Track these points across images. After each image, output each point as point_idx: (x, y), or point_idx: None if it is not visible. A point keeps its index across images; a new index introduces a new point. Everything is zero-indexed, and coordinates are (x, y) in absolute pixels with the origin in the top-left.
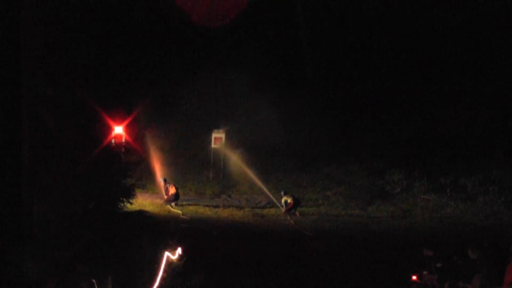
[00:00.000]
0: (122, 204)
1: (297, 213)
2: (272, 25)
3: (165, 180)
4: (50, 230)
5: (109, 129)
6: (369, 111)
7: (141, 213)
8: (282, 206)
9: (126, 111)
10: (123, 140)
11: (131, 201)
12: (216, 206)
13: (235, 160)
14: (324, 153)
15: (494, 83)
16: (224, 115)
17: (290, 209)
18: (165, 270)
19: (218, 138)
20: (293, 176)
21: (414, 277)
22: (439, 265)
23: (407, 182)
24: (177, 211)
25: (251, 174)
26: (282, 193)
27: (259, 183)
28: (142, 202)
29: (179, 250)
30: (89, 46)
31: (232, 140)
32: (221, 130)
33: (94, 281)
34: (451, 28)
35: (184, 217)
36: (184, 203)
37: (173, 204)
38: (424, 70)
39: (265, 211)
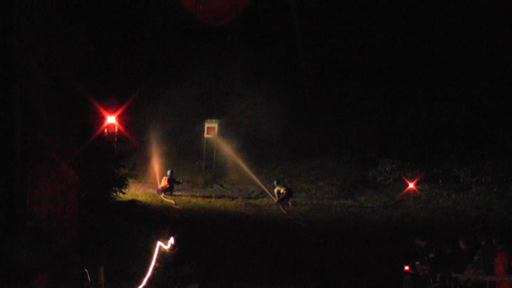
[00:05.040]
0: (114, 194)
1: (290, 203)
2: (267, 18)
3: (171, 173)
4: (42, 219)
5: (102, 119)
6: (362, 102)
7: (133, 203)
8: (274, 196)
9: (119, 100)
10: (116, 130)
11: (123, 190)
12: (209, 196)
13: (228, 150)
14: (317, 144)
15: (487, 76)
16: (218, 105)
17: (282, 199)
18: (157, 260)
19: (211, 128)
20: (285, 166)
21: (406, 267)
22: (431, 255)
23: (400, 172)
24: (169, 201)
25: (244, 164)
26: (275, 183)
27: (251, 173)
28: (134, 191)
29: (171, 240)
30: (83, 34)
31: (226, 130)
32: (214, 120)
33: (86, 270)
34: (447, 22)
35: (177, 207)
36: (176, 193)
37: (163, 194)
38: (417, 62)
39: (258, 201)
